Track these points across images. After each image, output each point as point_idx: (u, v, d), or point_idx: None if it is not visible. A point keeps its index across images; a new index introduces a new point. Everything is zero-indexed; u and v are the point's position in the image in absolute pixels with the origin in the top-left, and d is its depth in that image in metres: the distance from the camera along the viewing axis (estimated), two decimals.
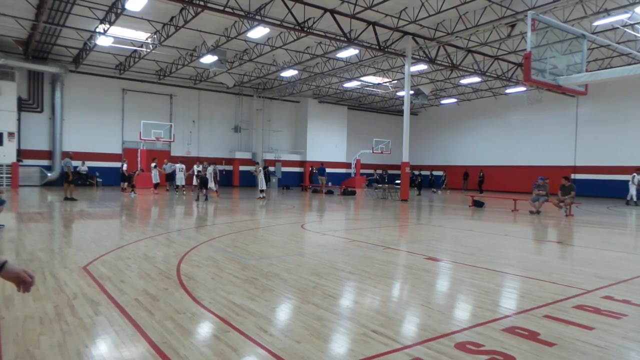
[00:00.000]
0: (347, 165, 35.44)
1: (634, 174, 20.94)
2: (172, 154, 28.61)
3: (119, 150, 27.44)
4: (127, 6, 15.60)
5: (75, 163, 21.02)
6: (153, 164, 23.06)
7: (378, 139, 34.74)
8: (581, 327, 3.99)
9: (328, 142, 34.51)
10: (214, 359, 3.18)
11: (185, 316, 4.08)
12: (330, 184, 29.92)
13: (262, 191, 20.05)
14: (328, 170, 31.76)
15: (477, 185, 31.18)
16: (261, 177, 20.04)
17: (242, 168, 31.26)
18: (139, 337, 3.55)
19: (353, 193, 25.88)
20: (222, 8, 15.50)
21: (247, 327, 3.82)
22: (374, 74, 26.40)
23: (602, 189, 25.99)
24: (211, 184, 20.13)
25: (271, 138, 33.53)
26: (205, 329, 3.89)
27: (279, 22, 17.12)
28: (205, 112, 30.69)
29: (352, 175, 34.57)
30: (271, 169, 32.13)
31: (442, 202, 21.45)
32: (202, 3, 15.20)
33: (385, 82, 28.36)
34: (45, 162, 25.07)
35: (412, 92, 25.72)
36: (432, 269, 6.54)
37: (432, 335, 3.74)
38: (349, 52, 21.25)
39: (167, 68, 26.06)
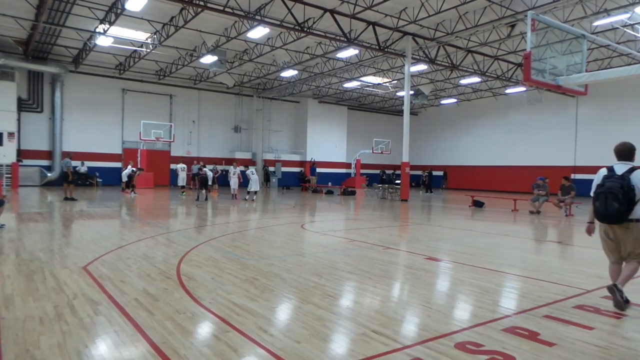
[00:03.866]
0: (347, 165, 35.41)
1: None
2: (172, 154, 28.66)
3: (119, 151, 27.42)
4: (127, 6, 15.59)
5: (74, 163, 21.03)
6: (133, 168, 21.62)
7: (378, 139, 34.72)
8: (581, 327, 4.00)
9: (328, 142, 34.47)
10: (214, 359, 3.18)
11: (185, 316, 4.08)
12: (330, 184, 29.91)
13: (249, 192, 18.47)
14: (328, 170, 31.79)
15: (423, 183, 30.96)
16: (255, 178, 18.32)
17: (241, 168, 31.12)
18: (139, 337, 3.55)
19: (353, 193, 25.87)
20: (222, 8, 15.50)
21: (247, 327, 3.83)
22: (373, 74, 26.37)
23: None
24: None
25: (271, 138, 33.49)
26: (205, 329, 3.89)
27: (278, 22, 17.11)
28: (205, 112, 30.65)
29: (352, 175, 34.56)
30: (271, 169, 32.15)
31: (442, 202, 21.44)
32: (202, 3, 15.20)
33: (385, 82, 28.33)
34: (45, 162, 25.02)
35: (412, 92, 25.71)
36: (432, 269, 6.54)
37: (432, 335, 3.74)
38: (349, 52, 21.23)
39: (167, 68, 26.05)
